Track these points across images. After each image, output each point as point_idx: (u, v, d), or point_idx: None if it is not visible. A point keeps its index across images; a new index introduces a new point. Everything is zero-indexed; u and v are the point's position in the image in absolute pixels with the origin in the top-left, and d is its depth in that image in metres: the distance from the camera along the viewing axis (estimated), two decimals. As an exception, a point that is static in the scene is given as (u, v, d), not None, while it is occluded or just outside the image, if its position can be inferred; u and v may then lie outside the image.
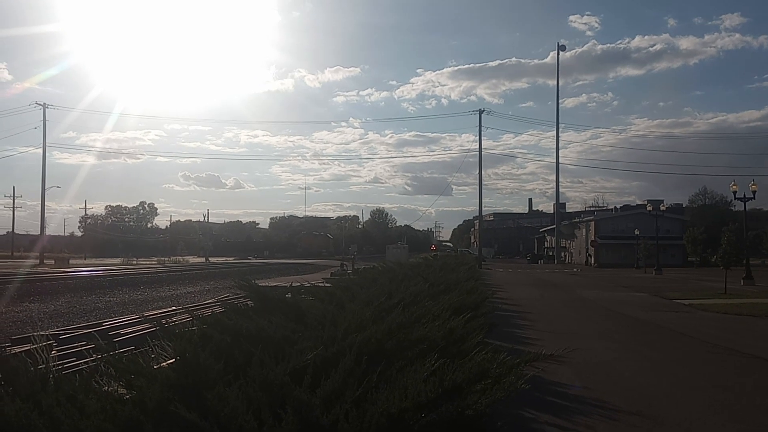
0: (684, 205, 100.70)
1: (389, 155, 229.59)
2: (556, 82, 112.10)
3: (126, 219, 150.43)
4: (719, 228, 42.57)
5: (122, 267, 59.53)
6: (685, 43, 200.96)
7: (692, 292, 27.27)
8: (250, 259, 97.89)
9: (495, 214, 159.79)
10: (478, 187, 76.24)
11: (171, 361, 4.66)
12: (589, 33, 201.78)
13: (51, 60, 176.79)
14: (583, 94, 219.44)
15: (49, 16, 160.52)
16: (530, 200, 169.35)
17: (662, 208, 64.27)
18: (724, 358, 11.15)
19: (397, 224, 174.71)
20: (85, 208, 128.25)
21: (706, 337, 13.66)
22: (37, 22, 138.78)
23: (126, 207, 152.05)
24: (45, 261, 68.28)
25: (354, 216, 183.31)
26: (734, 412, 7.30)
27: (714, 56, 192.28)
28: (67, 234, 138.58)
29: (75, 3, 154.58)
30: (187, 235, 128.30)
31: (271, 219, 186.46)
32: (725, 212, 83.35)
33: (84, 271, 44.94)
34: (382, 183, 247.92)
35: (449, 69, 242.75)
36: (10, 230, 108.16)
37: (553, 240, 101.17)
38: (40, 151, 73.38)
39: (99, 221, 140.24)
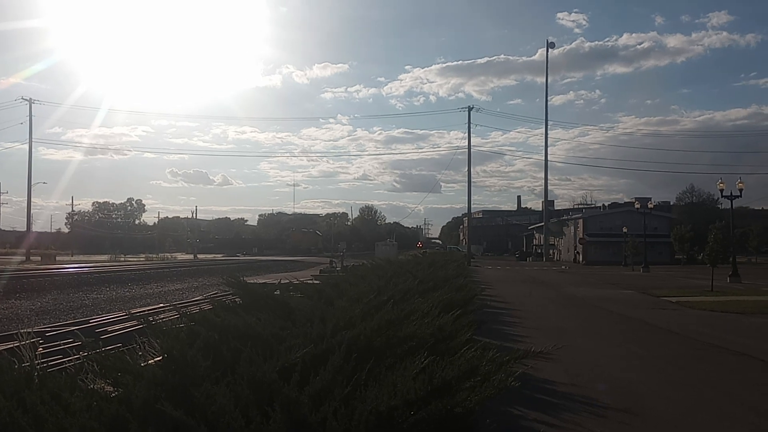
0: (671, 203, 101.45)
1: (378, 152, 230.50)
2: (544, 80, 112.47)
3: (113, 215, 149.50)
4: (706, 226, 42.85)
5: (109, 264, 59.15)
6: (673, 41, 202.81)
7: (679, 290, 27.47)
8: (238, 256, 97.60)
9: (484, 212, 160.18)
10: (467, 185, 76.54)
11: (158, 358, 4.62)
12: (577, 30, 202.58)
13: (37, 55, 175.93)
14: (571, 92, 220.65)
15: (35, 11, 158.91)
16: (519, 198, 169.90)
17: (650, 205, 64.66)
18: (711, 355, 11.22)
19: (386, 221, 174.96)
20: (72, 205, 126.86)
21: (693, 334, 13.75)
22: (23, 17, 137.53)
23: (113, 203, 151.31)
24: (31, 258, 67.71)
25: (343, 213, 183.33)
26: (722, 409, 7.34)
27: (701, 54, 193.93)
28: (53, 230, 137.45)
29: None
30: (175, 231, 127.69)
31: (259, 216, 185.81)
32: (712, 210, 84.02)
33: (71, 268, 44.60)
34: (371, 180, 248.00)
35: (437, 66, 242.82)
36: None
37: (541, 237, 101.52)
38: (26, 146, 72.59)
39: (86, 218, 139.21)
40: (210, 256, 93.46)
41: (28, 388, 4.10)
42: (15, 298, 23.42)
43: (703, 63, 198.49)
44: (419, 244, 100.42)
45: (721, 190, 37.86)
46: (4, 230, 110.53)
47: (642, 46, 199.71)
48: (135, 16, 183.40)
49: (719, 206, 78.49)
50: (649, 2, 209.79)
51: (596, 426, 6.49)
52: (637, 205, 63.22)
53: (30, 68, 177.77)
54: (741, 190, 37.41)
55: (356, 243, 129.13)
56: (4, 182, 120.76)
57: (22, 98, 71.96)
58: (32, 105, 71.35)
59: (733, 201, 37.57)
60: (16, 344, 7.43)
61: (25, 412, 3.67)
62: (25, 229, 79.60)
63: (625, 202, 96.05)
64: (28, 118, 71.17)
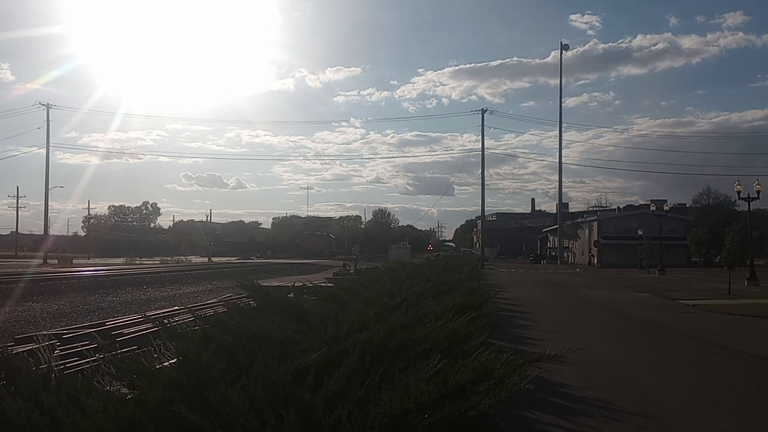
0: (687, 205, 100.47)
1: (391, 155, 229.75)
2: (558, 82, 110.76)
3: (129, 219, 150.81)
4: (723, 228, 42.47)
5: (125, 267, 59.62)
6: (688, 42, 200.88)
7: (696, 293, 27.18)
8: (252, 259, 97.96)
9: (498, 214, 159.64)
10: (480, 187, 76.14)
11: (173, 360, 4.65)
12: (590, 32, 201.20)
13: (54, 61, 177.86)
14: (585, 94, 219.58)
15: (53, 18, 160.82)
16: (533, 200, 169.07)
17: (666, 208, 64.12)
18: (729, 358, 11.10)
19: (400, 224, 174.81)
20: (89, 208, 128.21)
21: (710, 337, 13.60)
22: (41, 24, 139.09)
23: (129, 207, 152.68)
24: (48, 261, 68.42)
25: (356, 216, 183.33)
26: (740, 412, 7.25)
27: (716, 55, 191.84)
28: (70, 234, 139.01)
29: (78, 4, 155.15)
30: (190, 235, 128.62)
31: (273, 219, 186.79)
32: (729, 212, 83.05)
33: (87, 271, 45.00)
34: (384, 183, 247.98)
35: (450, 69, 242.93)
36: (14, 230, 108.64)
37: (555, 240, 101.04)
38: (44, 151, 73.67)
39: (102, 221, 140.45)
40: (224, 259, 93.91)
41: (45, 389, 4.14)
42: (32, 301, 23.65)
43: (718, 64, 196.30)
44: (430, 247, 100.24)
45: (738, 192, 37.51)
46: (22, 234, 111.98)
47: (656, 47, 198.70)
48: (150, 22, 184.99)
49: (736, 208, 77.57)
50: (663, 3, 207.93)
51: (613, 430, 6.43)
52: (652, 208, 62.76)
53: (48, 74, 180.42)
54: (758, 192, 37.00)
55: (369, 246, 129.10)
56: (22, 186, 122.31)
57: (40, 103, 73.03)
58: (49, 110, 72.29)
59: (751, 203, 37.18)
60: (34, 346, 7.51)
61: (43, 414, 3.70)
62: (43, 233, 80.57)
63: (640, 205, 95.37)
64: (45, 123, 72.15)
